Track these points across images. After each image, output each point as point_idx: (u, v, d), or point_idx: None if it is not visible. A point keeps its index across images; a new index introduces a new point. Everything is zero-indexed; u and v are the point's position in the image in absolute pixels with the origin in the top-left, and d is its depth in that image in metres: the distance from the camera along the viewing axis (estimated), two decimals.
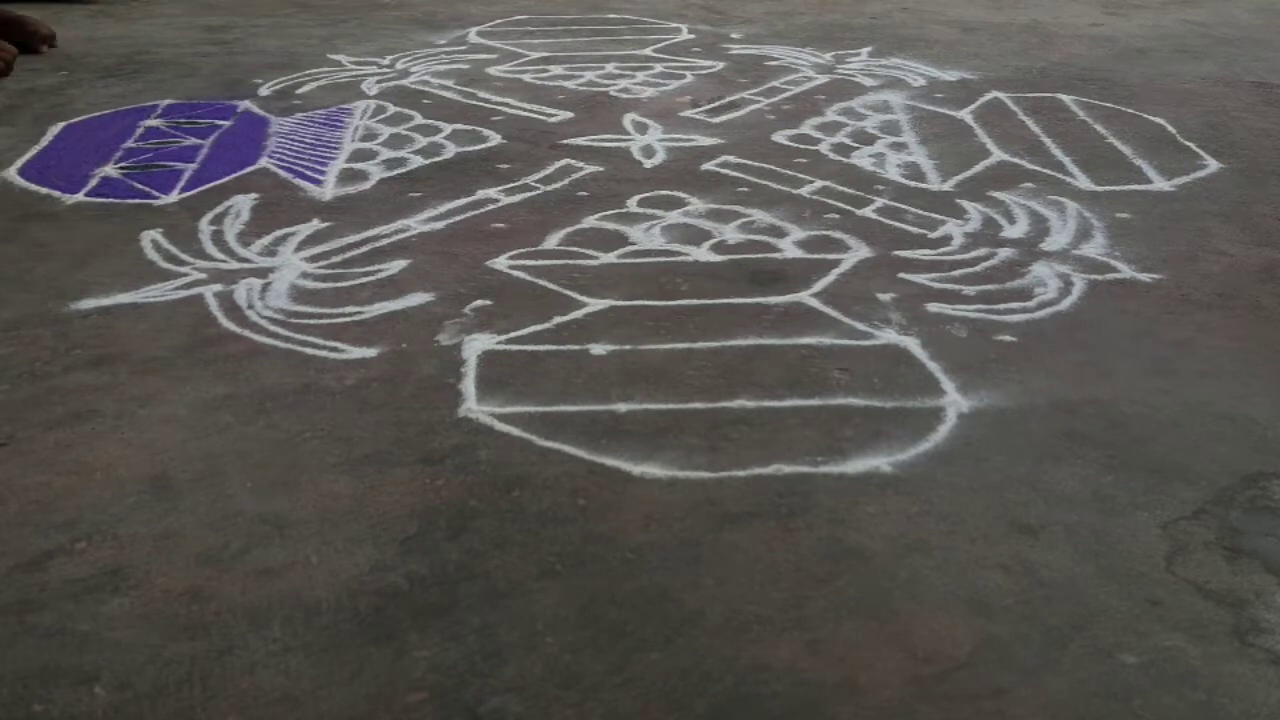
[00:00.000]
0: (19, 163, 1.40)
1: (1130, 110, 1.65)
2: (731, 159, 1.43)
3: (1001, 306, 1.05)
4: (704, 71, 1.86)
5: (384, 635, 0.65)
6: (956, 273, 1.12)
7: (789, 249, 1.17)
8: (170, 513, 0.76)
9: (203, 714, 0.60)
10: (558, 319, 1.02)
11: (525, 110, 1.63)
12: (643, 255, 1.15)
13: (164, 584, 0.69)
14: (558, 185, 1.34)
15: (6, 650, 0.64)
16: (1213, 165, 1.43)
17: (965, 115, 1.62)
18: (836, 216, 1.26)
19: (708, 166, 1.41)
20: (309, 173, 1.37)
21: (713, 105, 1.67)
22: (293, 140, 1.49)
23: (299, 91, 1.71)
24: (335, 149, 1.46)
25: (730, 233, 1.21)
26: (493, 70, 1.85)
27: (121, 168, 1.38)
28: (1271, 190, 1.35)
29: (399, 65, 1.87)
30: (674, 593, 0.69)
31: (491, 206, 1.28)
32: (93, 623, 0.66)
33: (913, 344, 0.98)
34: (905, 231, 1.22)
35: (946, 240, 1.20)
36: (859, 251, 1.17)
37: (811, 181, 1.36)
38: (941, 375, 0.93)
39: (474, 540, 0.73)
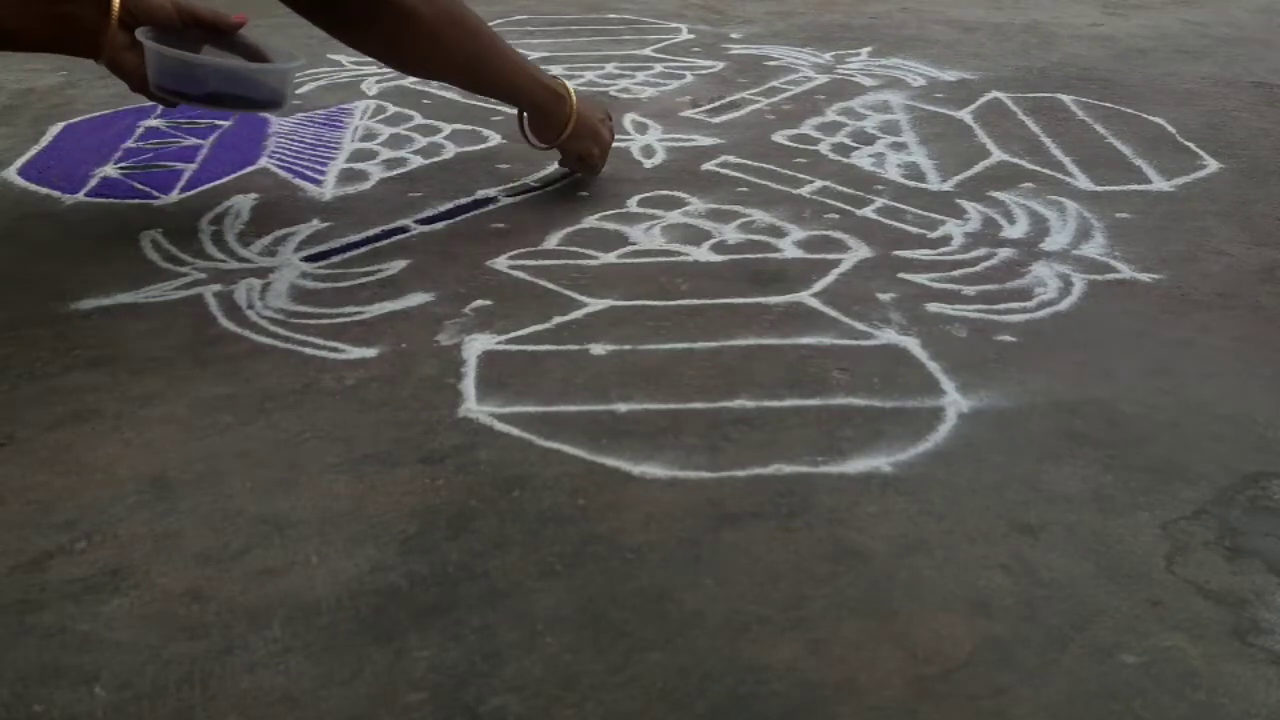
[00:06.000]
0: (19, 163, 1.40)
1: (1130, 110, 1.65)
2: (731, 159, 1.43)
3: (1001, 306, 1.05)
4: (704, 71, 1.86)
5: (384, 635, 0.65)
6: (956, 273, 1.12)
7: (789, 249, 1.17)
8: (170, 513, 0.76)
9: (203, 714, 0.60)
10: (558, 319, 1.02)
11: None
12: (643, 255, 1.15)
13: (164, 584, 0.69)
14: (558, 185, 1.34)
15: (6, 650, 0.64)
16: (1213, 165, 1.43)
17: (965, 115, 1.62)
18: (836, 216, 1.26)
19: (708, 166, 1.41)
20: (309, 173, 1.37)
21: (713, 105, 1.67)
22: (293, 140, 1.49)
23: (299, 92, 1.71)
24: (335, 149, 1.46)
25: (730, 233, 1.21)
26: None
27: (121, 168, 1.38)
28: (1271, 190, 1.35)
29: None
30: (674, 593, 0.69)
31: (491, 206, 1.28)
32: (93, 623, 0.66)
33: (913, 344, 0.98)
34: (905, 231, 1.22)
35: (946, 240, 1.20)
36: (859, 251, 1.17)
37: (811, 181, 1.36)
38: (941, 375, 0.93)
39: (474, 540, 0.73)
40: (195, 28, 1.13)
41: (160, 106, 1.60)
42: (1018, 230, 1.23)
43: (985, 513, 0.76)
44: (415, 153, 1.45)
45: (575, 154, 1.31)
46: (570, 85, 1.28)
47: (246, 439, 0.84)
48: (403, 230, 1.21)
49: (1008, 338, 1.00)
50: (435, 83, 1.76)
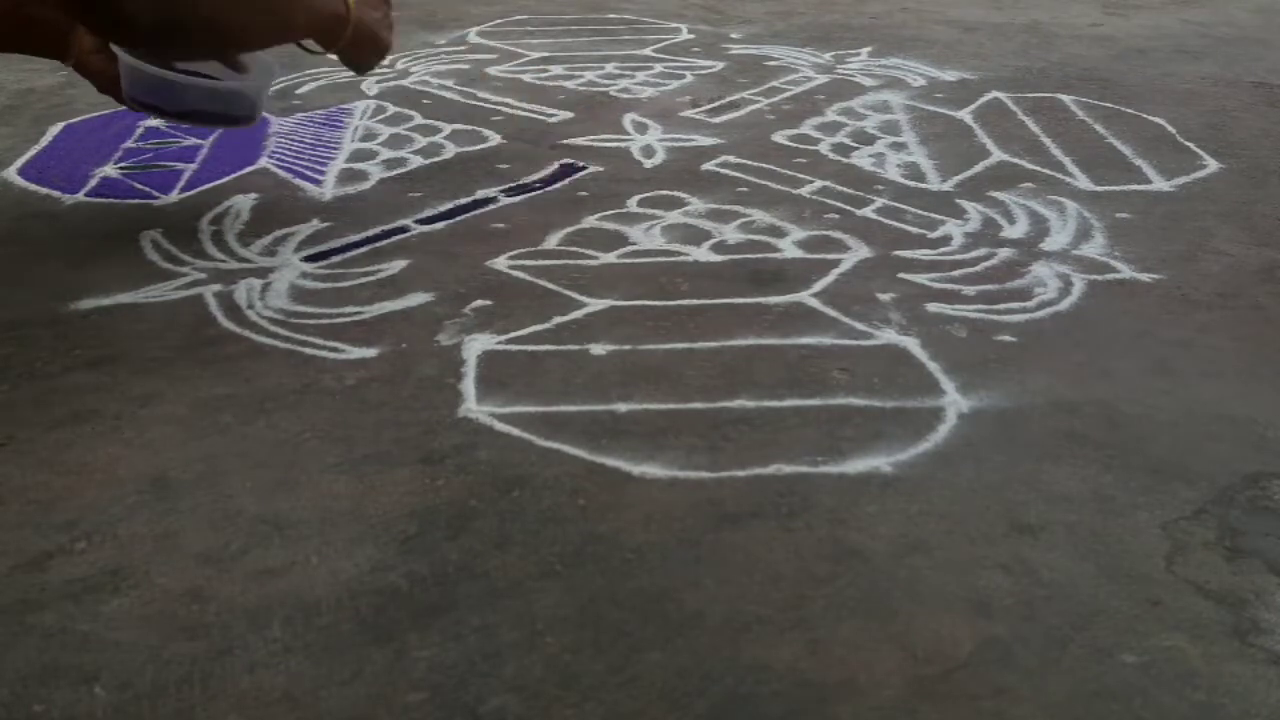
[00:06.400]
0: (19, 163, 1.40)
1: (1130, 110, 1.65)
2: (731, 159, 1.43)
3: (1001, 306, 1.05)
4: (704, 71, 1.86)
5: (384, 635, 0.65)
6: (956, 273, 1.12)
7: (789, 249, 1.17)
8: (170, 513, 0.76)
9: (203, 714, 0.60)
10: (558, 319, 1.02)
11: (525, 110, 1.63)
12: (643, 255, 1.15)
13: (164, 584, 0.69)
14: (558, 185, 1.34)
15: (6, 650, 0.64)
16: (1213, 165, 1.43)
17: (965, 115, 1.62)
18: (836, 216, 1.26)
19: (708, 166, 1.41)
20: (309, 173, 1.37)
21: (713, 105, 1.67)
22: (293, 140, 1.49)
23: (299, 91, 1.71)
24: (335, 149, 1.46)
25: (730, 233, 1.21)
26: (493, 70, 1.85)
27: (121, 168, 1.38)
28: (1271, 190, 1.35)
29: (399, 65, 1.87)
30: (674, 593, 0.69)
31: (491, 206, 1.28)
32: (93, 623, 0.66)
33: (913, 344, 0.98)
34: (905, 231, 1.22)
35: (946, 240, 1.20)
36: (859, 251, 1.17)
37: (811, 181, 1.36)
38: (941, 375, 0.93)
39: (474, 540, 0.73)
40: None
41: None
42: (1018, 230, 1.23)
43: (985, 513, 0.76)
44: (415, 153, 1.45)
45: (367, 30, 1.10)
46: None
47: (246, 439, 0.84)
48: (403, 230, 1.21)
49: (1008, 338, 1.00)
50: (435, 83, 1.76)
